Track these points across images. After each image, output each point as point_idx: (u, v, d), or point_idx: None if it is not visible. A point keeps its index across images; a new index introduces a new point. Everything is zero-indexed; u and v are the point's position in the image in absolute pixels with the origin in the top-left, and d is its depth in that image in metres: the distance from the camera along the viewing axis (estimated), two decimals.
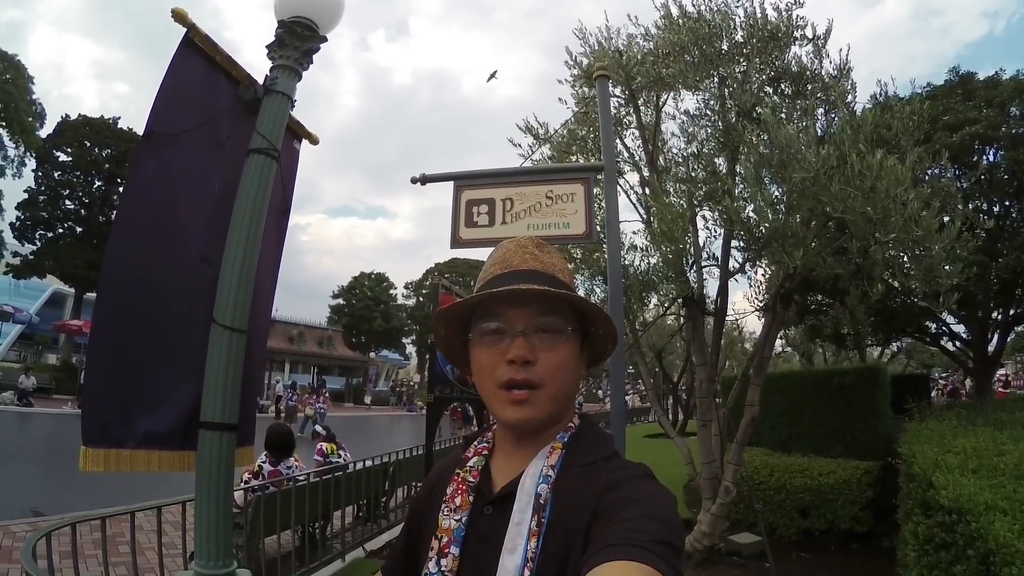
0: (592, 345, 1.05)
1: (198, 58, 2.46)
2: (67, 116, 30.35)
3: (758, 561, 6.68)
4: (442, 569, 0.93)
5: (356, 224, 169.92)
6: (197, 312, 2.42)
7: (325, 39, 2.73)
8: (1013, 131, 8.40)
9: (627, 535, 0.73)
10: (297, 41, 2.61)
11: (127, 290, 2.32)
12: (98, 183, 30.21)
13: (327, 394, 28.61)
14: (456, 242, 3.89)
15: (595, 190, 4.06)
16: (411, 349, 59.00)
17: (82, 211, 29.96)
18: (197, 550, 2.27)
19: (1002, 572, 2.54)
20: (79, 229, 29.66)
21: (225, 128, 2.58)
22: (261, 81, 2.67)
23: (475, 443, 1.08)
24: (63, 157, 29.66)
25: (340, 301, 52.58)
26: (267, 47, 2.65)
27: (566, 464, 0.93)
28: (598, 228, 3.89)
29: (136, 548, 5.39)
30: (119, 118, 31.04)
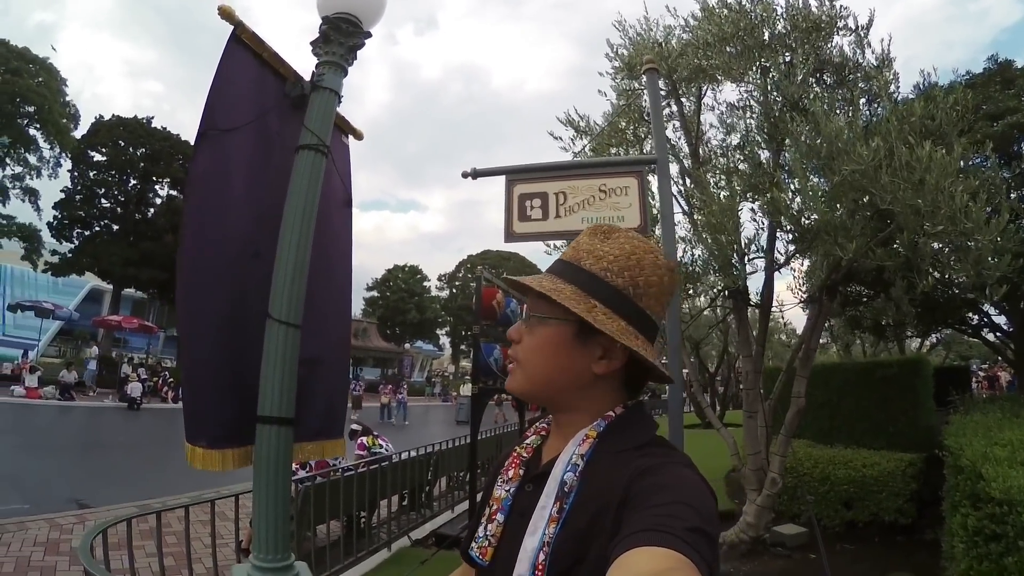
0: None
1: (246, 55, 2.48)
2: (101, 116, 30.84)
3: (803, 552, 6.69)
4: (487, 534, 1.01)
5: (388, 217, 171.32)
6: (252, 307, 2.42)
7: (369, 34, 2.72)
8: None
9: (658, 521, 0.73)
10: (342, 37, 2.61)
11: (194, 287, 2.33)
12: (133, 182, 30.69)
13: (406, 386, 30.74)
14: (510, 236, 3.95)
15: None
16: (445, 340, 59.17)
17: (118, 209, 30.46)
18: (255, 542, 2.29)
19: None
20: (115, 227, 30.18)
21: (274, 124, 2.60)
22: (306, 77, 2.69)
23: (536, 423, 1.16)
24: (98, 157, 30.11)
25: (374, 293, 53.03)
26: (312, 43, 2.66)
27: (598, 451, 0.94)
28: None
29: (181, 539, 5.56)
30: (152, 117, 31.52)
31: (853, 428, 8.63)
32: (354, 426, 8.88)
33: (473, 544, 1.03)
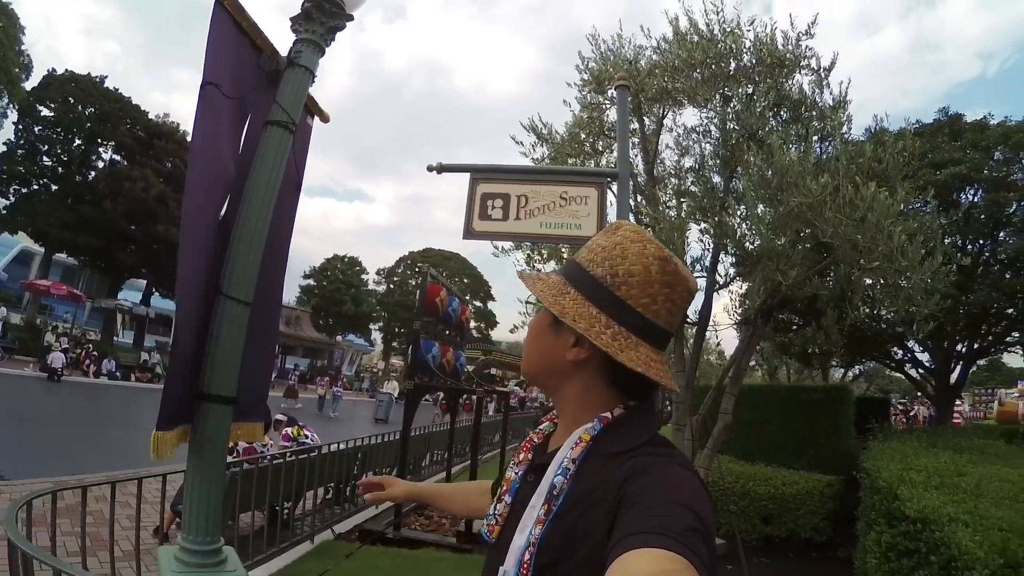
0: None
1: (229, 21, 2.41)
2: (53, 70, 29.44)
3: (721, 563, 6.91)
4: (495, 513, 1.04)
5: (333, 205, 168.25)
6: (210, 282, 2.34)
7: (351, 17, 2.68)
8: (995, 174, 8.81)
9: (656, 522, 0.73)
10: (324, 17, 2.57)
11: (190, 253, 2.24)
12: (78, 142, 29.33)
13: (344, 379, 30.81)
14: (469, 233, 4.01)
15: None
16: (377, 335, 58.12)
17: (59, 169, 29.01)
18: (185, 524, 2.21)
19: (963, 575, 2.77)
20: (55, 187, 28.78)
21: (251, 96, 2.54)
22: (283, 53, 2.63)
23: (554, 411, 1.19)
24: (45, 112, 28.65)
25: (311, 282, 51.57)
26: (292, 19, 2.60)
27: (592, 453, 0.94)
28: None
29: (98, 518, 5.36)
30: (106, 77, 30.16)
31: (776, 448, 8.96)
32: (279, 416, 8.74)
33: (484, 521, 1.07)
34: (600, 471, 0.90)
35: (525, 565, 0.88)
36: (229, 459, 5.92)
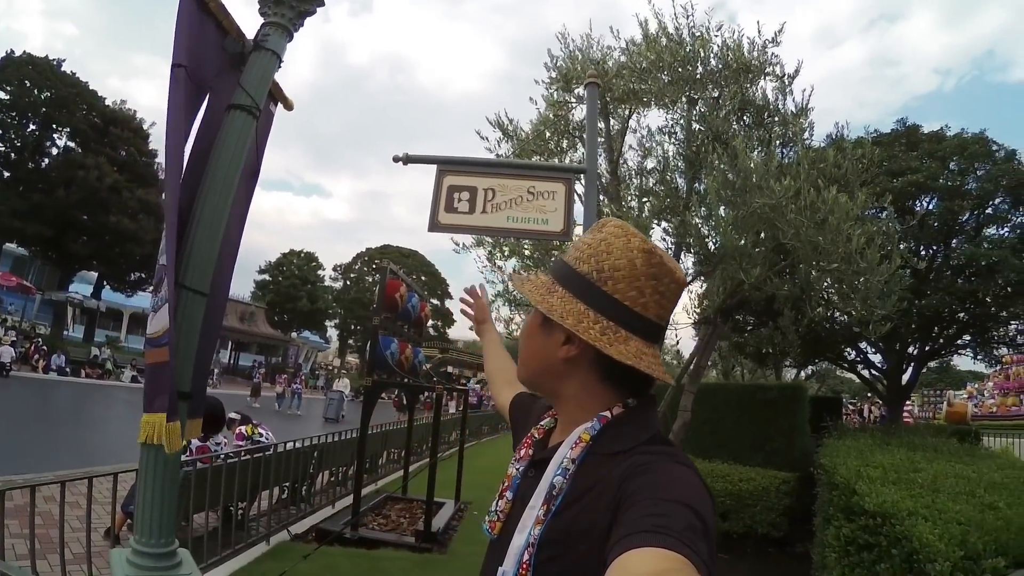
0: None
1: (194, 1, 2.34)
2: (11, 52, 28.50)
3: None
4: (496, 510, 1.04)
5: (290, 200, 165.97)
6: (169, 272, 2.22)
7: (322, 3, 2.65)
8: (950, 184, 9.11)
9: (656, 521, 0.73)
10: (295, 1, 2.54)
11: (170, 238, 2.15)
12: (32, 127, 28.57)
13: (303, 376, 30.36)
14: (435, 225, 3.94)
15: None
16: (332, 332, 57.11)
17: (12, 155, 28.19)
18: (138, 526, 2.12)
19: (926, 568, 2.85)
20: (6, 174, 27.92)
21: (211, 78, 2.46)
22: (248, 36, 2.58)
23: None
24: (1, 95, 27.81)
25: (266, 277, 50.51)
26: (260, 2, 2.56)
27: (591, 453, 0.94)
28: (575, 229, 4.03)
29: (47, 519, 5.17)
30: (64, 60, 29.39)
31: (733, 445, 9.09)
32: (232, 414, 8.53)
33: (486, 517, 1.06)
34: (599, 470, 0.90)
35: (524, 565, 0.88)
36: (183, 458, 5.74)
